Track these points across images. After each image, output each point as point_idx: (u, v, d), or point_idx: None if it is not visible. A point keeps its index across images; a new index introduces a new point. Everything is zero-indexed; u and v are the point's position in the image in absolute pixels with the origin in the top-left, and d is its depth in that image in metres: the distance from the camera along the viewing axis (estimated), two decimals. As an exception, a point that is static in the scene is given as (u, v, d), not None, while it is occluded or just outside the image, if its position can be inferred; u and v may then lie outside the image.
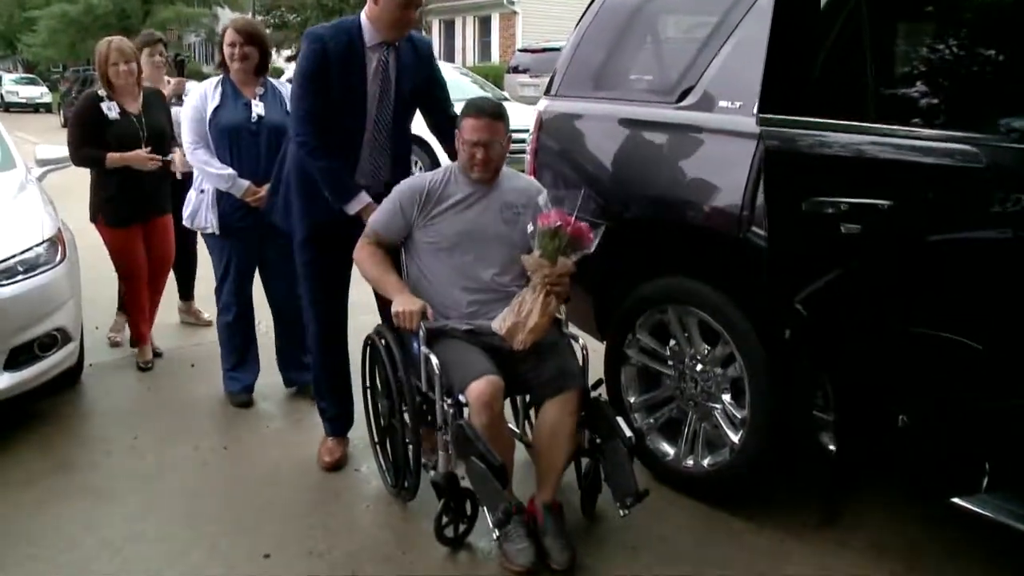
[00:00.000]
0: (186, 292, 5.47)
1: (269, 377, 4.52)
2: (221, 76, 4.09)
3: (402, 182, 3.23)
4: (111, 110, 4.44)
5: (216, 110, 3.98)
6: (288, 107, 3.99)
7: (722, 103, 3.16)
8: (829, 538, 3.07)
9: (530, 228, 3.03)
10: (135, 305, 4.75)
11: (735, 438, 3.17)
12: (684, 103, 3.30)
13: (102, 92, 4.48)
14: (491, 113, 3.07)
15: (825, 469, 2.93)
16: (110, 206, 4.54)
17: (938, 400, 2.50)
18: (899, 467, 2.71)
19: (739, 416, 3.16)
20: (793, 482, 3.36)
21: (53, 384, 4.05)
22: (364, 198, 3.27)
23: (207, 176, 4.00)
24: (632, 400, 3.53)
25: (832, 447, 2.85)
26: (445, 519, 2.97)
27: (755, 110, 3.01)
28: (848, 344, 2.69)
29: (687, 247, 3.32)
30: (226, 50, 4.00)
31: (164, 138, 4.65)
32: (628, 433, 2.88)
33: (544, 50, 17.13)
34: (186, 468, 3.62)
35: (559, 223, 2.96)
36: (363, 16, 3.30)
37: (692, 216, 3.21)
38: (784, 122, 2.76)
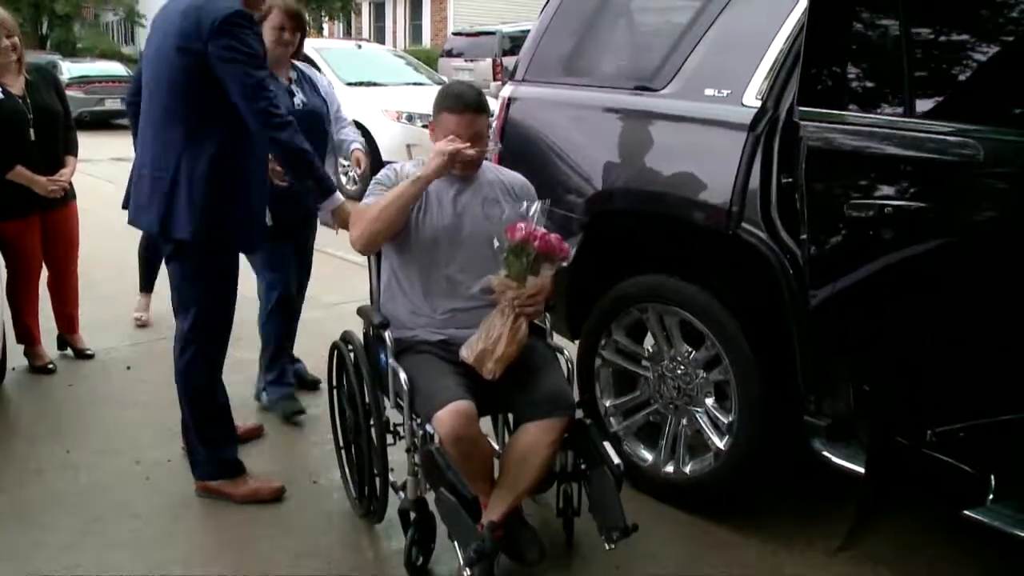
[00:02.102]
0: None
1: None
2: None
3: (377, 175, 2.93)
4: None
5: None
6: (320, 91, 3.82)
7: (708, 91, 2.99)
8: (823, 548, 2.93)
9: (495, 243, 2.72)
10: (23, 302, 4.34)
11: (720, 443, 3.02)
12: (666, 91, 3.12)
13: None
14: (474, 106, 2.77)
15: (848, 488, 2.76)
16: (1, 197, 4.10)
17: (972, 415, 2.36)
18: (918, 483, 2.57)
19: (725, 420, 3.01)
20: (780, 489, 3.21)
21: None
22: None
23: None
24: (607, 404, 3.36)
25: (840, 460, 2.70)
26: (415, 551, 2.72)
27: (743, 99, 2.87)
28: (887, 356, 2.52)
29: (669, 243, 3.14)
30: (271, 33, 3.50)
31: (56, 120, 4.24)
32: (616, 460, 2.59)
33: (478, 34, 16.91)
34: (127, 486, 3.31)
35: (525, 237, 2.64)
36: None
37: (675, 210, 3.04)
38: (830, 117, 2.51)
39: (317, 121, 3.65)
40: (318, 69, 10.15)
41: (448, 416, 2.49)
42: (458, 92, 2.84)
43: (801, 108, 2.53)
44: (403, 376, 2.68)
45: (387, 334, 2.79)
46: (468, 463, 2.58)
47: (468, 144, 2.72)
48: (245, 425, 3.63)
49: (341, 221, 3.03)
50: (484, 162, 2.96)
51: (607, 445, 2.63)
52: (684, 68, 3.08)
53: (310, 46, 11.09)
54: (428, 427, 2.58)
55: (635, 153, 3.19)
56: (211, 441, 3.19)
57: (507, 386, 2.68)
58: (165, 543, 2.95)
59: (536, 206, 2.72)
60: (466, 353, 2.67)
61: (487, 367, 2.64)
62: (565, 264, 2.79)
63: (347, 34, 29.79)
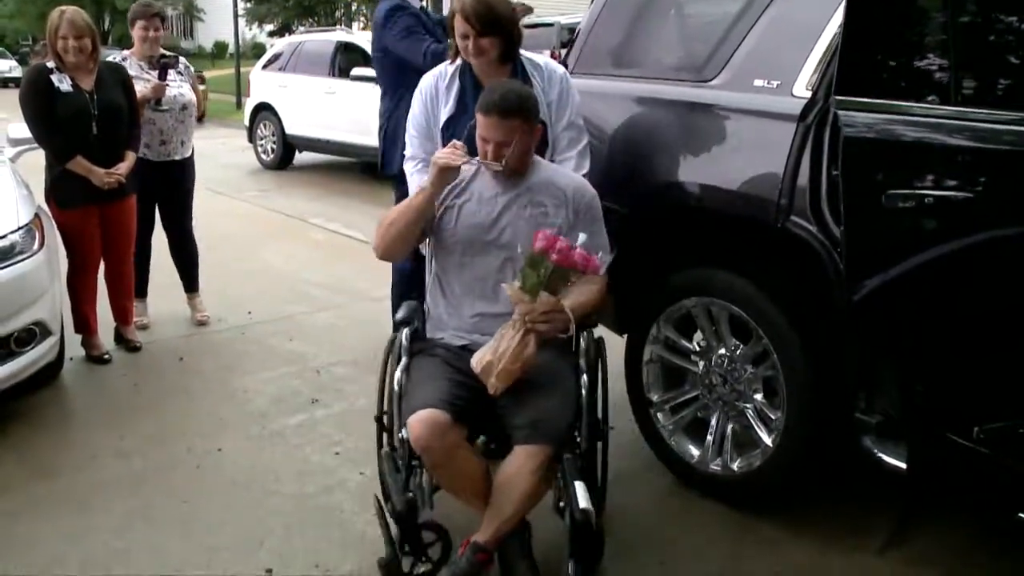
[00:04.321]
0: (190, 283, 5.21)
1: (261, 373, 4.32)
2: (460, 64, 3.07)
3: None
4: (62, 82, 4.12)
5: (451, 121, 3.03)
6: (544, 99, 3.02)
7: (757, 82, 2.94)
8: (873, 550, 2.88)
9: (519, 249, 2.55)
10: (81, 292, 4.42)
11: (768, 440, 2.97)
12: (715, 82, 3.08)
13: (51, 64, 4.17)
14: (500, 110, 2.59)
15: (895, 487, 2.69)
16: (61, 185, 4.23)
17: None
18: (965, 482, 2.50)
19: (773, 417, 2.96)
20: (830, 487, 3.15)
21: (31, 381, 3.79)
22: None
23: None
24: (655, 398, 3.32)
25: (891, 459, 2.63)
26: (404, 561, 2.49)
27: (793, 90, 2.82)
28: (928, 350, 2.46)
29: (718, 236, 3.10)
30: (458, 43, 3.01)
31: (120, 116, 4.31)
32: (583, 504, 2.29)
33: (536, 25, 16.79)
34: (178, 473, 3.37)
35: (544, 248, 2.44)
36: None
37: (723, 203, 2.99)
38: (869, 106, 2.43)
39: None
40: (371, 64, 10.24)
41: (416, 423, 2.39)
42: (488, 93, 2.68)
43: (838, 97, 2.47)
44: (397, 376, 2.61)
45: (402, 333, 2.73)
46: (445, 475, 2.51)
47: (463, 156, 2.59)
48: None
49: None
50: (540, 161, 2.83)
51: (578, 485, 2.35)
52: (733, 59, 3.04)
53: (365, 39, 11.16)
54: (404, 432, 2.49)
55: (683, 145, 3.14)
56: None
57: (505, 402, 2.51)
58: (215, 530, 3.00)
59: (581, 238, 2.55)
60: (475, 362, 2.53)
61: (490, 381, 2.48)
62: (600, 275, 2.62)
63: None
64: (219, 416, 3.86)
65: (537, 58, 3.13)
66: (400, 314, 2.81)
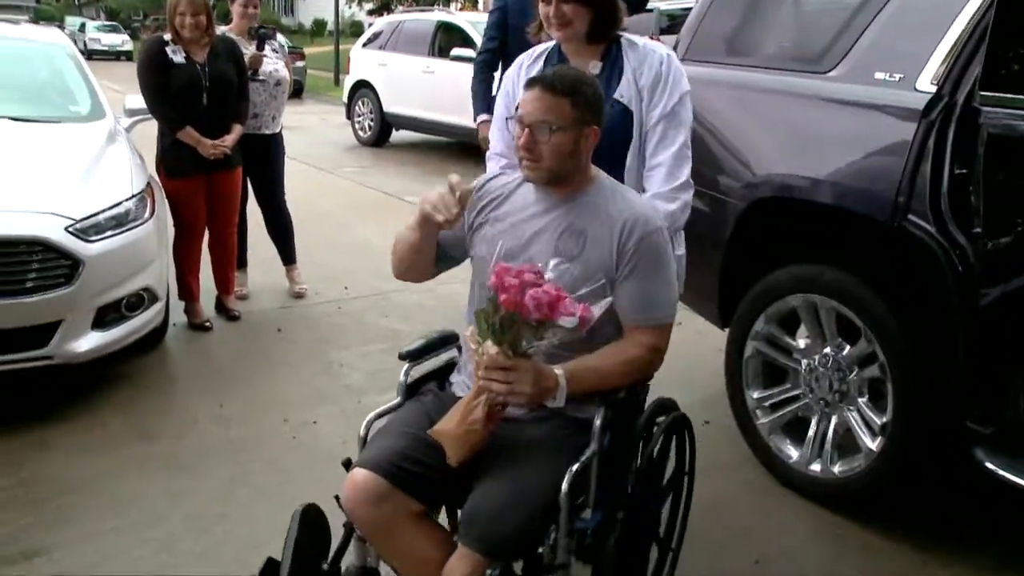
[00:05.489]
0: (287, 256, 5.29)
1: (356, 347, 4.37)
2: (550, 46, 2.54)
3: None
4: (176, 54, 4.30)
5: None
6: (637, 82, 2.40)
7: (878, 75, 2.84)
8: (975, 564, 2.77)
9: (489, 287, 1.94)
10: (186, 260, 4.56)
11: (872, 445, 2.88)
12: (832, 73, 2.99)
13: (167, 37, 4.33)
14: (546, 83, 2.04)
15: (1014, 503, 2.58)
16: (170, 155, 4.40)
17: None
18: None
19: (878, 421, 2.87)
20: (935, 495, 3.05)
21: (138, 345, 3.90)
22: None
23: None
24: (755, 395, 3.26)
25: (1007, 473, 2.52)
26: None
27: (917, 84, 2.72)
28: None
29: (829, 232, 3.01)
30: (540, 11, 2.43)
31: (230, 88, 4.46)
32: None
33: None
34: (274, 442, 3.45)
35: (494, 285, 1.86)
36: None
37: (837, 199, 2.91)
38: (1018, 103, 2.34)
39: (616, 129, 2.32)
40: (472, 45, 10.18)
41: (347, 484, 2.01)
42: (546, 71, 2.20)
43: (983, 93, 2.36)
44: (367, 419, 2.18)
45: (403, 371, 2.27)
46: (381, 551, 2.09)
47: (453, 208, 2.00)
48: None
49: None
50: (606, 180, 2.16)
51: None
52: (854, 50, 2.95)
53: (464, 19, 11.18)
54: None
55: (797, 138, 3.07)
56: None
57: (466, 480, 1.98)
58: (309, 500, 3.03)
59: (552, 264, 1.98)
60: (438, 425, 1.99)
61: (448, 452, 1.95)
62: (577, 334, 1.87)
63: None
64: (315, 388, 3.93)
65: (636, 39, 2.47)
66: (410, 346, 2.28)
